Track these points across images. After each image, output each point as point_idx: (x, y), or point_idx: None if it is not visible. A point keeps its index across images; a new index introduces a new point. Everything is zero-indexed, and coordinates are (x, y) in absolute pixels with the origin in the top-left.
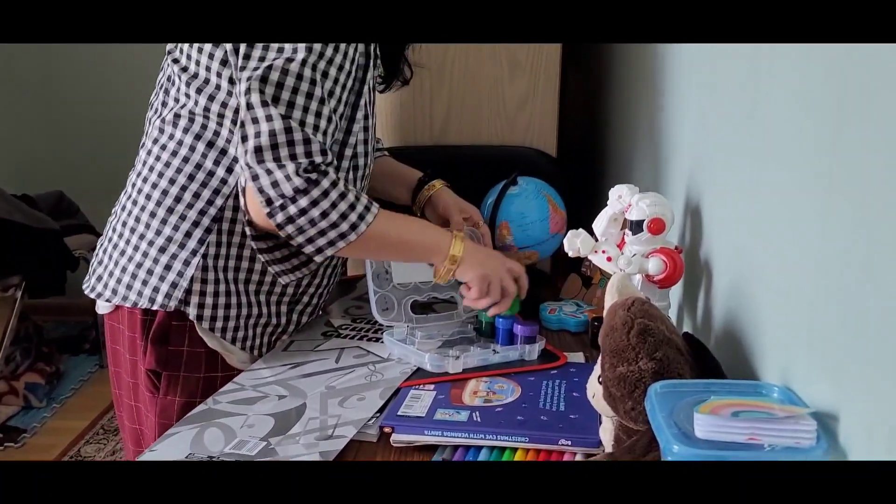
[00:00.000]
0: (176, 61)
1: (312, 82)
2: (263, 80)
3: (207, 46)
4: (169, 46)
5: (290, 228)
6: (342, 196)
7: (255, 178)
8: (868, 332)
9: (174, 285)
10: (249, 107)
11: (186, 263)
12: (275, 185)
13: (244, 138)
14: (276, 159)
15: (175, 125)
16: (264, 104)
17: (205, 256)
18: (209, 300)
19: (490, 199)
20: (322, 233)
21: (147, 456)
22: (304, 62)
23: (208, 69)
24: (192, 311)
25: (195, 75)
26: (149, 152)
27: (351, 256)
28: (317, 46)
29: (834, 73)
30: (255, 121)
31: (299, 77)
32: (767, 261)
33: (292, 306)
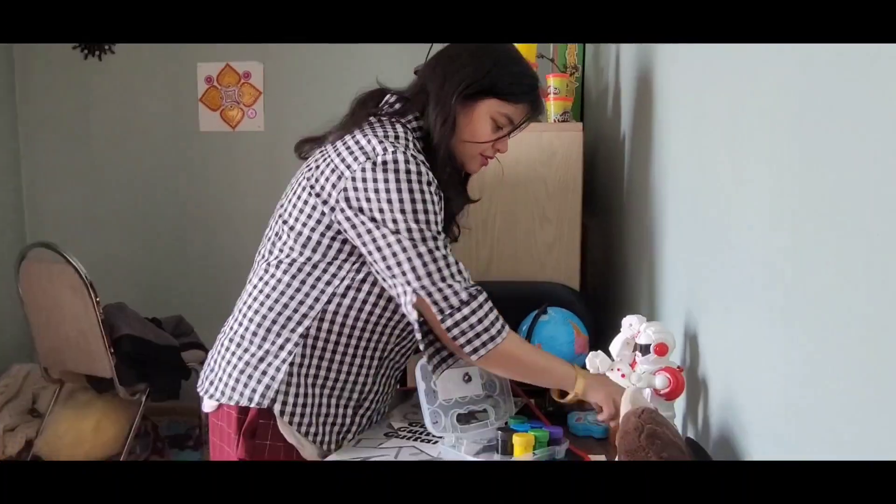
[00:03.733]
0: (285, 222)
1: (434, 239)
2: (409, 230)
3: (308, 208)
4: (279, 211)
5: (455, 331)
6: (492, 310)
7: (429, 295)
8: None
9: (267, 387)
10: (406, 249)
11: (277, 370)
12: (446, 298)
13: (413, 269)
14: (443, 279)
15: (277, 267)
16: (414, 245)
17: (291, 364)
18: (291, 399)
19: (525, 326)
20: (478, 335)
21: None
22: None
23: (304, 225)
24: (277, 408)
25: (299, 233)
26: (255, 286)
27: (493, 370)
28: (418, 219)
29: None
30: (420, 255)
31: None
32: (752, 379)
33: (356, 409)
